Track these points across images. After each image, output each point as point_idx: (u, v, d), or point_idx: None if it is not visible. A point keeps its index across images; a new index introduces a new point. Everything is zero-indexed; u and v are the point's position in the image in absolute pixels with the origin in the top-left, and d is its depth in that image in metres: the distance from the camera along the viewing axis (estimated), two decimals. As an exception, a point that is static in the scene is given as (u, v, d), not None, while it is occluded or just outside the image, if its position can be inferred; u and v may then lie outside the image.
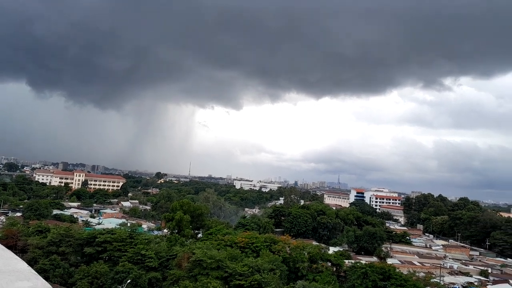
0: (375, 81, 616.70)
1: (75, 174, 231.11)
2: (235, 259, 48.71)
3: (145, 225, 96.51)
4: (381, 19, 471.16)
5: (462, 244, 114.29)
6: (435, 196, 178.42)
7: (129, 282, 44.08)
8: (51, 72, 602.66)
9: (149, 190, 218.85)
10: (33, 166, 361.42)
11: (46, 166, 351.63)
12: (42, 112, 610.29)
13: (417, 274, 57.26)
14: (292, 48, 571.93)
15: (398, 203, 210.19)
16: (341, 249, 78.36)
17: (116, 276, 45.74)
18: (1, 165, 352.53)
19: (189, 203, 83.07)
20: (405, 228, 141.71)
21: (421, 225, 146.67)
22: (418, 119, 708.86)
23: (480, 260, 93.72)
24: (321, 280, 49.98)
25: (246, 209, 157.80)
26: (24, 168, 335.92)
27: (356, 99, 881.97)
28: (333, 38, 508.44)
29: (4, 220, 79.47)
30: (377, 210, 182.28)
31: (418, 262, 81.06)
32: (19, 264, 3.11)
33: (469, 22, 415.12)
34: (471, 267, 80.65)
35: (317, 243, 75.69)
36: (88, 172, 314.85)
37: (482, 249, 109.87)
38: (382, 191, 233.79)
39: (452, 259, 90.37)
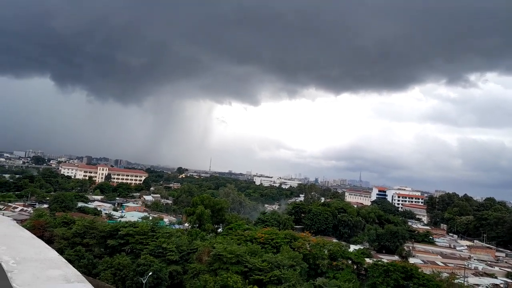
0: (396, 77, 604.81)
1: (98, 168, 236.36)
2: (255, 254, 48.85)
3: (166, 219, 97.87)
4: (403, 13, 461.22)
5: (487, 245, 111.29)
6: (459, 196, 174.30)
7: (150, 275, 44.80)
8: (73, 67, 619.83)
9: (171, 185, 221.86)
10: (58, 159, 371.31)
11: (71, 160, 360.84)
12: (66, 106, 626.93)
13: (440, 274, 56.02)
14: (311, 44, 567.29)
15: (421, 202, 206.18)
16: (362, 247, 77.56)
17: (138, 268, 46.57)
18: (29, 158, 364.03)
19: (210, 198, 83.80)
20: (428, 227, 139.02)
21: (445, 225, 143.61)
22: (442, 117, 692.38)
23: (506, 262, 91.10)
24: (341, 277, 49.62)
25: (266, 205, 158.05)
26: (50, 162, 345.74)
27: (376, 95, 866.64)
28: (353, 33, 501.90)
29: (32, 211, 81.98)
30: (399, 209, 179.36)
31: (441, 262, 79.45)
32: (50, 253, 3.12)
33: (496, 15, 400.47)
34: (496, 268, 78.54)
35: (338, 241, 75.10)
36: (111, 166, 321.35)
37: (508, 251, 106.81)
38: (404, 189, 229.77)
39: (477, 260, 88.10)
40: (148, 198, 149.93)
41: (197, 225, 72.77)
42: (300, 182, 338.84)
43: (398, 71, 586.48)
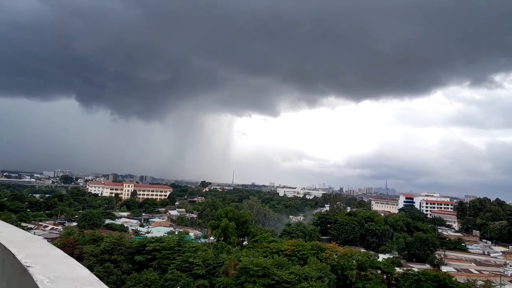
0: (417, 82, 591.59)
1: (124, 185, 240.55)
2: (281, 266, 48.37)
3: (192, 233, 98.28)
4: (423, 13, 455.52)
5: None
6: (491, 200, 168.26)
7: (178, 290, 44.94)
8: (96, 87, 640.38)
9: (195, 199, 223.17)
10: (86, 178, 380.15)
11: (97, 178, 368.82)
12: (91, 126, 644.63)
13: (475, 282, 54.01)
14: (329, 51, 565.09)
15: (451, 208, 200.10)
16: (391, 256, 75.69)
17: (165, 283, 46.83)
18: (58, 178, 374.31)
19: (234, 211, 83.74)
20: (459, 234, 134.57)
21: (477, 231, 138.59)
22: (467, 120, 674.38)
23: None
24: (370, 287, 48.47)
25: (291, 216, 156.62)
26: (78, 180, 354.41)
27: (398, 101, 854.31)
28: (372, 38, 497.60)
29: (62, 229, 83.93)
30: (428, 216, 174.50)
31: (475, 269, 76.62)
32: (83, 271, 3.19)
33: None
34: (535, 275, 75.01)
35: (366, 251, 73.55)
36: (137, 182, 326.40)
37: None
38: (432, 195, 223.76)
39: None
40: (173, 213, 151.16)
41: (222, 238, 72.73)
42: (325, 192, 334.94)
43: (419, 75, 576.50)
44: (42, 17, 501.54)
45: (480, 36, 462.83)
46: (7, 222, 6.98)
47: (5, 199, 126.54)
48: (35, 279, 2.85)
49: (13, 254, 3.63)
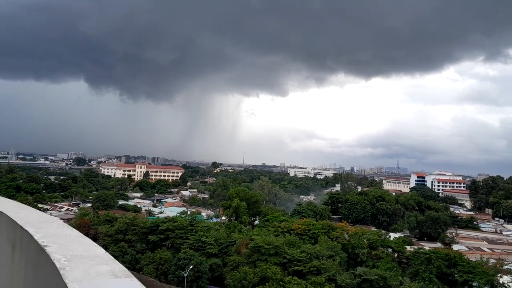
0: (430, 57, 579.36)
1: (137, 166, 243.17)
2: (293, 245, 48.94)
3: (204, 213, 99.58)
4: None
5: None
6: (505, 179, 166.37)
7: (191, 268, 45.86)
8: (104, 68, 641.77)
9: (206, 179, 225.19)
10: (98, 160, 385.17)
11: (110, 160, 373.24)
12: (101, 107, 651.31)
13: (487, 260, 53.95)
14: (339, 27, 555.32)
15: (463, 187, 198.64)
16: (403, 235, 75.90)
17: (179, 262, 47.79)
18: (71, 160, 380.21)
19: (245, 191, 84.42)
20: (472, 212, 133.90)
21: (490, 210, 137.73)
22: (481, 97, 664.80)
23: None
24: (381, 266, 48.81)
25: (301, 196, 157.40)
26: (91, 162, 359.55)
27: (409, 79, 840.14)
28: (383, 13, 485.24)
29: (77, 210, 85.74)
30: (440, 195, 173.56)
31: (487, 248, 76.46)
32: (98, 250, 3.25)
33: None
34: (548, 253, 74.64)
35: (377, 229, 73.84)
36: (149, 163, 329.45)
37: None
38: (444, 174, 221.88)
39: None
40: (186, 193, 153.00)
41: (234, 218, 73.61)
42: (335, 172, 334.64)
43: (431, 50, 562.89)
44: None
45: (496, 6, 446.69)
46: (23, 203, 7.14)
47: (21, 181, 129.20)
48: (52, 258, 2.92)
49: (30, 234, 3.71)
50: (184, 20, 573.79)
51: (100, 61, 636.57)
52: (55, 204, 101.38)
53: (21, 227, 4.09)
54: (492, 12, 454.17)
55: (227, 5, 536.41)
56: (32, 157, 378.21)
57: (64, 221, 5.10)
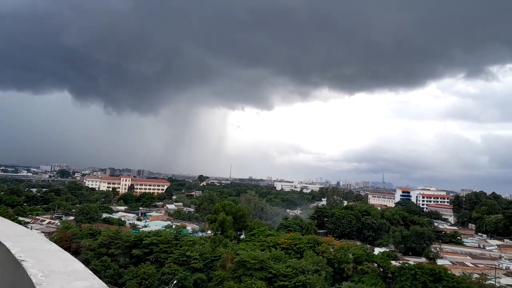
0: (412, 73, 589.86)
1: (121, 179, 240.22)
2: (278, 260, 48.60)
3: (189, 227, 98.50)
4: (419, 0, 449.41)
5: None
6: (487, 194, 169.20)
7: (175, 283, 45.09)
8: (88, 80, 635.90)
9: (192, 193, 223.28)
10: (83, 172, 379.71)
11: (94, 172, 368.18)
12: (86, 119, 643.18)
13: (470, 275, 54.43)
14: (323, 41, 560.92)
15: (447, 202, 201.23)
16: (387, 250, 76.15)
17: (162, 277, 46.98)
18: (55, 172, 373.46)
19: (231, 205, 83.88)
20: (455, 227, 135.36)
21: (473, 225, 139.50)
22: (463, 113, 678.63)
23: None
24: (367, 281, 48.77)
25: (288, 210, 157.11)
26: (75, 175, 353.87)
27: (393, 95, 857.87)
28: (367, 28, 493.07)
29: (59, 224, 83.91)
30: (424, 210, 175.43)
31: (471, 263, 77.17)
32: (77, 265, 3.20)
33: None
34: (530, 268, 75.62)
35: (362, 244, 73.95)
36: (134, 176, 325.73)
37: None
38: (429, 189, 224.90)
39: (508, 259, 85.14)
40: (171, 207, 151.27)
41: (220, 232, 72.90)
42: (322, 186, 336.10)
43: (414, 65, 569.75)
44: (33, 7, 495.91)
45: (478, 24, 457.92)
46: (3, 216, 7.00)
47: (2, 193, 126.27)
48: (28, 273, 2.86)
49: (7, 248, 3.64)
50: (169, 32, 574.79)
51: (84, 72, 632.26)
52: (37, 217, 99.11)
53: (-2, 241, 4.00)
54: (474, 29, 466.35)
55: (213, 18, 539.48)
56: (14, 169, 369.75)
57: (45, 235, 5.01)
